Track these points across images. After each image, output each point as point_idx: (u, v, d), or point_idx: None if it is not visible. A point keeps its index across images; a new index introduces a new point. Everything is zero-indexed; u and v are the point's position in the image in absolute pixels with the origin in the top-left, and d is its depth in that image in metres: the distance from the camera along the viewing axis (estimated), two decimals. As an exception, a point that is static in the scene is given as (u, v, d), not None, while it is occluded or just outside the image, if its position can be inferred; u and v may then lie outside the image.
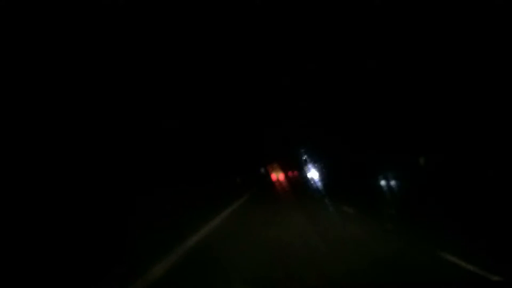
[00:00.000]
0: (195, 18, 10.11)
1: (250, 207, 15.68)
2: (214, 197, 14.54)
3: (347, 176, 18.51)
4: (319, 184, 24.43)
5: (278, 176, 47.12)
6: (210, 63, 13.62)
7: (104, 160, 7.50)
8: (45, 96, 6.14)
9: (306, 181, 28.53)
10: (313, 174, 27.42)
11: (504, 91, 8.34)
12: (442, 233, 5.68)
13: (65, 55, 6.57)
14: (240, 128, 25.44)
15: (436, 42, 9.78)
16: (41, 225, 4.98)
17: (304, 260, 4.92)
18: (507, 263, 3.72)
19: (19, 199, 4.96)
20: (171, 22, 9.64)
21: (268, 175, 47.97)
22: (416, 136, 11.97)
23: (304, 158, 28.59)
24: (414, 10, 9.53)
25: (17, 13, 5.43)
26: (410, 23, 9.99)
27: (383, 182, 13.58)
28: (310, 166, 27.93)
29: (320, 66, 15.47)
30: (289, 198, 20.10)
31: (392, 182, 13.17)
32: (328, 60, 14.77)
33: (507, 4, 7.45)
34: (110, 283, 4.09)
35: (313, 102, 20.91)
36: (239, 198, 18.83)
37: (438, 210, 7.63)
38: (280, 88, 20.79)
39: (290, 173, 43.11)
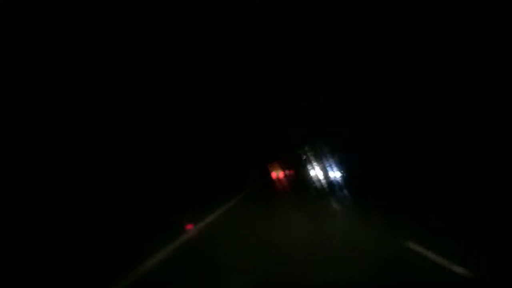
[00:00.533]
0: (195, 18, 9.83)
1: (251, 199, 18.08)
2: (219, 191, 16.71)
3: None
4: (312, 180, 26.52)
5: (278, 174, 48.80)
6: (210, 63, 13.48)
7: (103, 160, 7.67)
8: (45, 97, 6.10)
9: (302, 178, 30.40)
10: (309, 173, 29.13)
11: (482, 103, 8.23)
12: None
13: (65, 55, 6.57)
14: (240, 129, 26.94)
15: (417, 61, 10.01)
16: (41, 223, 5.02)
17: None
18: (507, 263, 3.58)
19: (20, 199, 5.02)
20: (172, 22, 9.40)
21: (268, 174, 49.57)
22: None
23: (304, 158, 30.21)
24: (403, 31, 9.71)
25: (17, 13, 5.35)
26: (398, 40, 10.28)
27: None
28: (307, 166, 29.54)
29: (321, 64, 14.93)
30: (286, 191, 23.16)
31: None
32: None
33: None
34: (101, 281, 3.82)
35: (312, 102, 21.82)
36: (241, 191, 21.78)
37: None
38: (280, 88, 21.59)
39: (288, 172, 44.68)
